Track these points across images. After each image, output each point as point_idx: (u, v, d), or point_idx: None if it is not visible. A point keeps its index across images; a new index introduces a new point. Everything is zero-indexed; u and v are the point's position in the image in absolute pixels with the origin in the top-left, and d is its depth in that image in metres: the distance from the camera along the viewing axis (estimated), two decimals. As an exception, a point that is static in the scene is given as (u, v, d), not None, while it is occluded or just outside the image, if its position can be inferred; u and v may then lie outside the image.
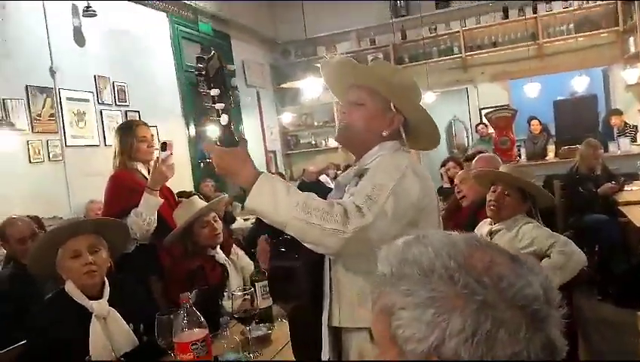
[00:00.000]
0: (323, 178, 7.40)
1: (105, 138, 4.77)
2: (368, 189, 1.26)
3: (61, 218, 4.06)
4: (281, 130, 8.58)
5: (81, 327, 1.70)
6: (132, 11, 5.31)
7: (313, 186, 7.24)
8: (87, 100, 4.64)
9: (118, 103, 4.98)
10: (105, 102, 4.82)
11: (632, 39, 6.80)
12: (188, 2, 6.08)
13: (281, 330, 1.89)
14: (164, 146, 2.47)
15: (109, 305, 1.76)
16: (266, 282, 1.93)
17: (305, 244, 1.25)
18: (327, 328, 1.39)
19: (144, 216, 2.31)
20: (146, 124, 2.74)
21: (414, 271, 0.60)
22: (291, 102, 8.51)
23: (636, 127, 6.40)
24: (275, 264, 1.40)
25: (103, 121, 4.78)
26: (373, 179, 1.29)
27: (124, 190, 2.49)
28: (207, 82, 1.32)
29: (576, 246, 2.08)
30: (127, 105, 5.10)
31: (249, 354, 1.60)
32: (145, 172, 2.60)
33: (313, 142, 8.53)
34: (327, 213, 1.18)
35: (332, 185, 7.45)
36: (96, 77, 4.75)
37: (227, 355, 1.47)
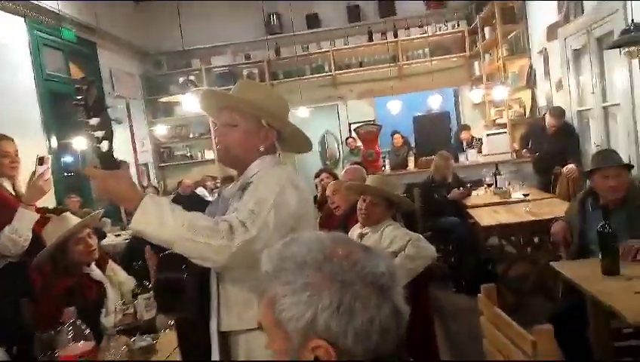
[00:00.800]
0: (200, 191, 7.34)
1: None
2: (251, 204, 1.37)
3: None
4: (154, 141, 8.31)
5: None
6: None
7: (189, 199, 7.13)
8: None
9: (-32, 113, 4.51)
10: (-50, 111, 4.34)
11: (476, 63, 7.75)
12: (48, 7, 5.69)
13: (166, 340, 1.93)
14: (41, 161, 2.38)
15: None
16: (148, 294, 1.95)
17: (192, 260, 1.32)
18: (216, 334, 1.47)
19: (20, 232, 2.18)
20: (9, 138, 2.57)
21: (291, 265, 0.76)
22: (164, 113, 8.31)
23: (481, 140, 7.25)
24: (160, 276, 1.43)
25: (-53, 133, 4.28)
26: (255, 194, 1.40)
27: None
28: (87, 111, 1.28)
29: (427, 241, 2.41)
30: (-21, 116, 4.64)
31: (135, 364, 1.62)
32: (9, 187, 2.44)
33: (188, 155, 8.38)
34: (213, 231, 1.27)
35: (209, 198, 7.39)
36: (-61, 84, 4.26)
37: (114, 366, 1.48)
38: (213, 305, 1.47)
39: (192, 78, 8.06)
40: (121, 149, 7.21)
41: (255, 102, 1.52)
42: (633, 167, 2.80)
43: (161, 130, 8.21)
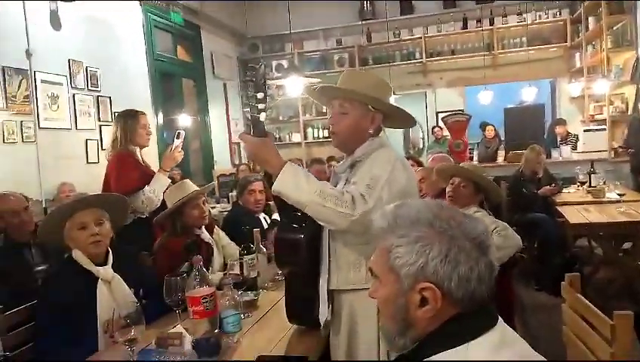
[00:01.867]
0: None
1: (76, 122, 4.85)
2: (367, 180, 1.55)
3: (31, 199, 4.15)
4: (246, 122, 8.75)
5: (89, 291, 1.90)
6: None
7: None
8: (60, 84, 4.69)
9: (90, 88, 5.04)
10: (78, 86, 4.88)
11: (577, 55, 7.39)
12: (161, -8, 6.19)
13: (266, 297, 2.17)
14: (178, 135, 2.82)
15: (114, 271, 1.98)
16: (252, 256, 2.20)
17: (319, 222, 1.54)
18: (326, 291, 1.67)
19: (157, 193, 2.57)
20: (145, 113, 3.00)
21: (406, 222, 0.91)
22: (257, 95, 8.69)
23: (577, 136, 6.95)
24: (281, 235, 1.68)
25: (75, 105, 4.85)
26: (371, 172, 1.58)
27: (132, 168, 2.75)
28: (256, 87, 1.58)
29: (513, 231, 2.45)
30: (99, 91, 5.17)
31: (242, 314, 1.87)
32: (139, 155, 2.84)
33: (277, 136, 8.74)
34: (339, 199, 1.47)
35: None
36: (71, 61, 4.80)
37: (227, 311, 1.72)
38: (325, 265, 1.68)
39: (283, 62, 8.42)
40: (218, 128, 7.70)
41: (361, 91, 1.68)
42: None
43: (254, 110, 8.59)
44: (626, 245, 4.41)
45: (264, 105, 1.54)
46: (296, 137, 8.52)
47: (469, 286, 0.88)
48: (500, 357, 0.84)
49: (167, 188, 2.73)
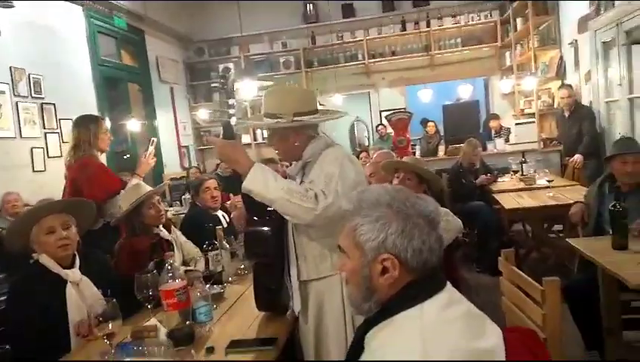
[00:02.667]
0: (238, 173, 7.72)
1: (21, 130, 4.75)
2: (323, 178, 1.71)
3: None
4: (194, 125, 8.74)
5: (57, 293, 1.96)
6: (49, 4, 5.28)
7: (228, 179, 7.55)
8: (2, 92, 4.58)
9: (34, 95, 4.95)
10: (21, 94, 4.78)
11: (507, 54, 7.87)
12: (103, -4, 6.11)
13: (231, 291, 2.30)
14: (152, 142, 2.93)
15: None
16: (216, 251, 2.32)
17: (285, 216, 1.68)
18: (297, 282, 1.83)
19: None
20: (104, 119, 3.07)
21: (368, 204, 1.08)
22: (204, 99, 8.71)
23: (509, 129, 7.42)
24: (250, 230, 1.82)
25: (19, 114, 4.74)
26: (324, 171, 1.74)
27: (105, 174, 2.79)
28: (227, 94, 1.69)
29: (454, 215, 2.69)
30: (43, 98, 5.08)
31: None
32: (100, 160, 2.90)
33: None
34: (304, 196, 1.63)
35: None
36: (12, 68, 4.70)
37: (198, 303, 1.83)
38: (292, 258, 1.83)
39: (229, 65, 8.48)
40: (165, 132, 7.65)
41: (281, 112, 1.81)
42: (649, 154, 3.01)
43: (203, 114, 8.60)
44: (557, 227, 4.82)
45: (234, 110, 1.67)
46: (246, 138, 8.59)
47: (422, 256, 1.05)
48: (449, 313, 1.02)
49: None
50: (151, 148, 3.16)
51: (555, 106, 6.87)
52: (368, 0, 8.18)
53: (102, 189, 2.72)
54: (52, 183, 4.69)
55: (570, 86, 5.52)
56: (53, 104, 5.19)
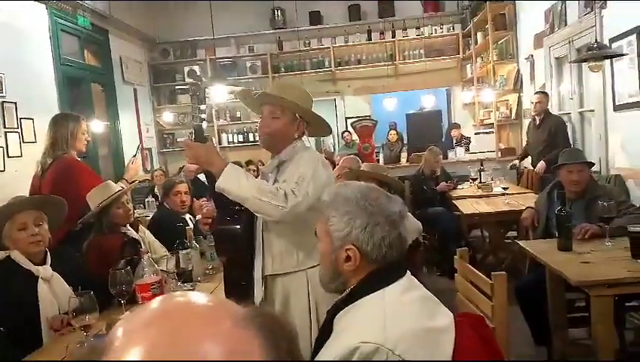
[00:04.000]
0: (202, 176, 7.72)
1: (-19, 129, 4.65)
2: (295, 178, 1.82)
3: None
4: (158, 127, 8.67)
5: (29, 289, 1.98)
6: (11, 1, 5.19)
7: (192, 183, 7.56)
8: (-38, 89, 4.48)
9: (-6, 94, 4.85)
10: (-20, 91, 4.68)
11: (468, 66, 8.19)
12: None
13: (201, 288, 2.36)
14: (138, 148, 2.97)
15: (53, 270, 2.06)
16: (188, 250, 2.38)
17: (256, 214, 1.78)
18: (260, 276, 1.91)
19: None
20: (84, 119, 3.06)
21: (341, 199, 1.20)
22: (168, 101, 8.66)
23: (469, 138, 7.71)
24: (219, 228, 1.90)
25: (-21, 111, 4.64)
26: (298, 171, 1.84)
27: (91, 175, 2.80)
28: (198, 100, 1.77)
29: (414, 217, 2.84)
30: (4, 96, 4.97)
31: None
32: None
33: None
34: (274, 194, 1.73)
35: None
36: (-28, 65, 4.60)
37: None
38: (259, 253, 1.92)
39: (195, 68, 8.48)
40: (128, 134, 7.57)
41: (292, 100, 1.95)
42: (594, 164, 3.25)
43: (167, 116, 8.55)
44: (512, 233, 5.06)
45: (205, 115, 1.76)
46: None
47: (381, 250, 1.19)
48: (408, 296, 1.15)
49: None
50: (137, 153, 3.30)
51: (513, 118, 7.19)
52: (335, 8, 8.35)
53: (89, 189, 2.69)
54: (11, 183, 4.59)
55: (544, 93, 5.45)
56: (15, 103, 5.08)
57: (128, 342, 0.44)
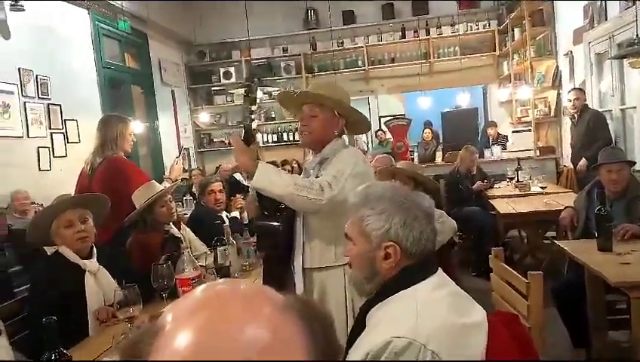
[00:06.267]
0: (238, 176, 7.85)
1: (28, 130, 4.87)
2: (334, 171, 1.87)
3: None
4: (195, 128, 8.87)
5: (77, 282, 2.08)
6: (56, 7, 5.41)
7: (227, 183, 7.73)
8: (11, 93, 4.70)
9: (40, 96, 5.07)
10: (28, 95, 4.90)
11: (505, 63, 8.03)
12: (109, 1, 6.24)
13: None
14: (182, 149, 3.09)
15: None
16: (225, 246, 2.45)
17: (294, 208, 1.84)
18: (301, 270, 1.97)
19: None
20: (130, 120, 3.21)
21: (374, 197, 1.22)
22: (205, 102, 8.84)
23: (506, 137, 7.57)
24: (260, 223, 1.97)
25: (26, 114, 4.86)
26: (337, 165, 1.90)
27: (140, 173, 2.95)
28: (250, 101, 1.88)
29: (448, 217, 2.82)
30: (50, 99, 5.20)
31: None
32: None
33: (226, 141, 8.89)
34: (310, 188, 1.79)
35: (245, 182, 7.89)
36: (21, 70, 4.82)
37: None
38: (299, 247, 1.97)
39: (230, 69, 8.63)
40: (167, 134, 7.77)
41: (330, 97, 1.99)
42: (634, 163, 3.16)
43: (204, 117, 8.73)
44: (550, 233, 4.95)
45: (255, 115, 1.83)
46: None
47: (420, 244, 1.21)
48: (439, 293, 1.16)
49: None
50: (180, 155, 3.32)
51: (552, 115, 7.03)
52: (369, 7, 8.34)
53: (138, 187, 2.78)
54: (57, 182, 4.81)
55: (580, 90, 5.33)
56: (59, 105, 5.31)
57: (177, 327, 0.48)
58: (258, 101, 1.92)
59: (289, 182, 1.79)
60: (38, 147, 4.99)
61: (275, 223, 1.93)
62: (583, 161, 4.93)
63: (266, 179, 1.79)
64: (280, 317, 0.49)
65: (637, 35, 3.42)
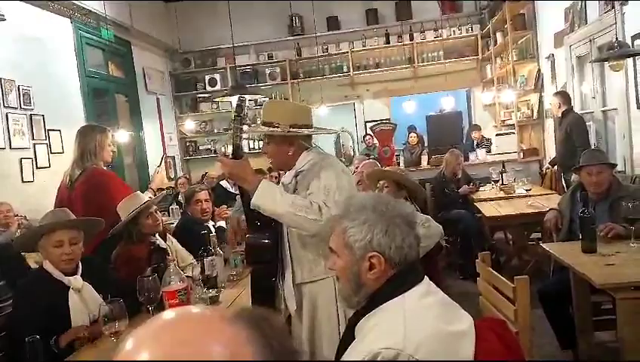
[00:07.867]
0: (224, 183, 7.82)
1: (10, 141, 4.80)
2: (323, 190, 1.85)
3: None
4: (180, 136, 8.82)
5: (61, 298, 2.05)
6: (38, 16, 5.36)
7: (213, 191, 7.68)
8: (-7, 103, 4.64)
9: (23, 107, 5.00)
10: (10, 105, 4.83)
11: (488, 67, 8.12)
12: (91, 9, 6.18)
13: (225, 294, 2.41)
14: (163, 158, 3.03)
15: (83, 280, 2.13)
16: (212, 257, 2.43)
17: (292, 228, 1.84)
18: (292, 285, 1.96)
19: None
20: (109, 130, 3.14)
21: (355, 208, 1.22)
22: (190, 109, 8.80)
23: (490, 140, 7.65)
24: (250, 240, 1.95)
25: (8, 124, 4.79)
26: (321, 183, 1.87)
27: (123, 186, 2.89)
28: (241, 120, 1.86)
29: (435, 222, 2.84)
30: (32, 109, 5.13)
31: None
32: None
33: (212, 149, 8.86)
34: (309, 209, 1.78)
35: (232, 190, 7.82)
36: (3, 80, 4.75)
37: (198, 304, 1.94)
38: (287, 263, 1.97)
39: (215, 76, 8.60)
40: (152, 142, 7.71)
41: (277, 121, 1.92)
42: (615, 165, 3.20)
43: (189, 125, 8.69)
44: (536, 235, 5.00)
45: (245, 135, 1.83)
46: (231, 149, 8.67)
47: (402, 252, 1.21)
48: (427, 301, 1.17)
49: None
50: (161, 164, 3.28)
51: (534, 118, 7.11)
52: (353, 13, 8.38)
53: (119, 198, 2.73)
54: (40, 194, 4.74)
55: (560, 93, 5.32)
56: (42, 115, 5.25)
57: (136, 347, 0.51)
58: (247, 122, 1.91)
59: (289, 201, 1.78)
60: (21, 158, 4.92)
61: (265, 240, 1.92)
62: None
63: (268, 197, 1.78)
64: (230, 329, 0.52)
65: (617, 37, 3.48)
